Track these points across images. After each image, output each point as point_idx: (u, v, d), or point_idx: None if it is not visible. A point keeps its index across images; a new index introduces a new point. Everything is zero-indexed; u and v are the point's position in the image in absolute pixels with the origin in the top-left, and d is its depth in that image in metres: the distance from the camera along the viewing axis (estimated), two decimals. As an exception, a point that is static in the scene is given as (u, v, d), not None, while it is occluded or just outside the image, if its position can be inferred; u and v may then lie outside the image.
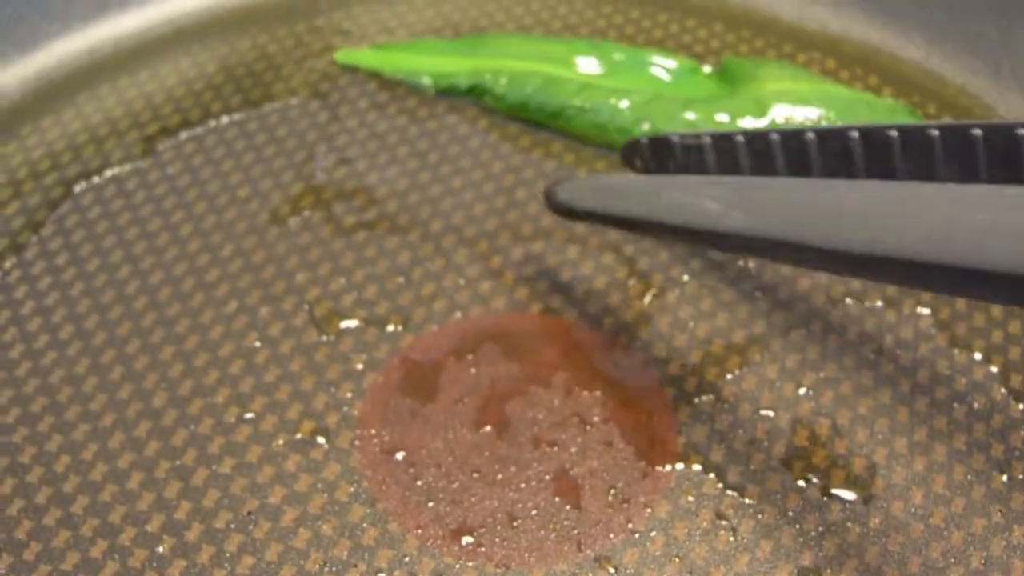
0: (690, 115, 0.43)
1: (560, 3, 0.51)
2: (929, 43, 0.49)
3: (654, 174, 0.38)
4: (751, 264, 0.41)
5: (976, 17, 0.48)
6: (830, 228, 0.27)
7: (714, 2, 0.51)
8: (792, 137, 0.34)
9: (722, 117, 0.43)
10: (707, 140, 0.36)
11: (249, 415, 0.37)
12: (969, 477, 0.36)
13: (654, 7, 0.51)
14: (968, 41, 0.48)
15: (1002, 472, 0.36)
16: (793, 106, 0.43)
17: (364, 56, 0.48)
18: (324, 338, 0.39)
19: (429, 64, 0.47)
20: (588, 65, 0.46)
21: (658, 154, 0.38)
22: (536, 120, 0.45)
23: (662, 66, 0.46)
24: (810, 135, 0.33)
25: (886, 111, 0.44)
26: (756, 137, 0.34)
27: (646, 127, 0.43)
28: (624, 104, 0.44)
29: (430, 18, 0.50)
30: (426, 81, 0.46)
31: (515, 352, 0.38)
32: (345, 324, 0.39)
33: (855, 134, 0.32)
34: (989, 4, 0.48)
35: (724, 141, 0.35)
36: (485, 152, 0.45)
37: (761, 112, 0.43)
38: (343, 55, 0.48)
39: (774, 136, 0.34)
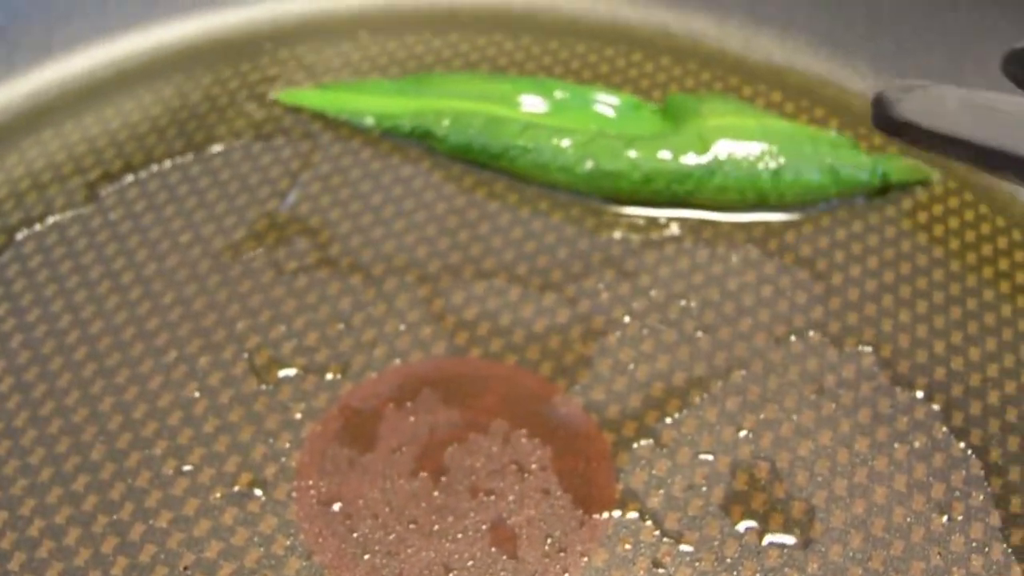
0: (632, 153, 0.43)
1: (506, 39, 0.51)
2: (876, 74, 0.49)
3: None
4: (692, 303, 0.41)
5: (924, 48, 0.48)
6: None
7: (660, 36, 0.51)
8: None
9: (665, 154, 0.43)
10: None
11: (187, 467, 0.37)
12: (909, 519, 0.36)
13: (600, 41, 0.51)
14: (916, 72, 0.48)
15: (942, 513, 0.36)
16: (736, 141, 0.43)
17: (307, 96, 0.48)
18: (263, 387, 0.39)
19: (372, 104, 0.47)
20: (531, 104, 0.46)
21: None
22: (479, 161, 0.45)
23: (606, 103, 0.46)
24: None
25: (829, 145, 0.44)
26: None
27: (589, 165, 0.43)
28: (566, 143, 0.43)
29: (375, 55, 0.50)
30: (369, 121, 0.46)
31: (454, 398, 0.38)
32: (284, 372, 0.39)
33: None
34: (937, 34, 0.48)
35: None
36: (428, 193, 0.44)
37: (703, 148, 0.43)
38: (286, 95, 0.48)
39: None
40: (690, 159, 0.43)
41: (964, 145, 0.28)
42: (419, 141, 0.46)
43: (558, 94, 0.46)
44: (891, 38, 0.49)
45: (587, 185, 0.43)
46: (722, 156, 0.43)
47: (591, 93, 0.47)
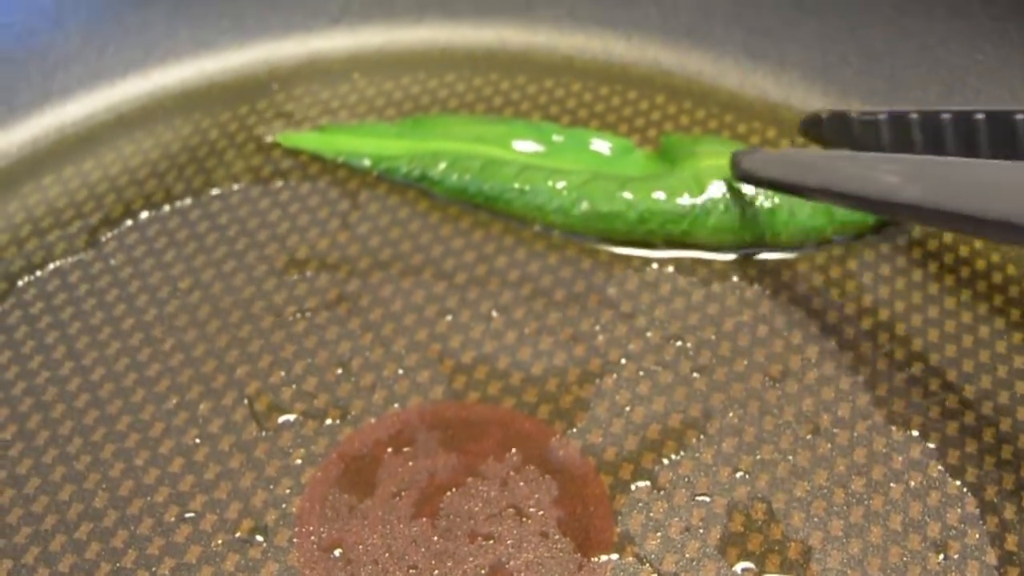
0: (627, 194, 0.43)
1: (502, 79, 0.51)
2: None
3: (831, 147, 0.44)
4: (688, 344, 0.41)
5: (917, 84, 0.49)
6: (1005, 203, 0.32)
7: (655, 74, 0.52)
8: (962, 118, 0.40)
9: (659, 195, 0.43)
10: (883, 117, 0.42)
11: (189, 514, 0.37)
12: (905, 559, 0.36)
13: (595, 80, 0.52)
14: (909, 107, 0.48)
15: (938, 552, 0.36)
16: (730, 181, 0.43)
17: (306, 139, 0.48)
18: (263, 433, 0.39)
19: (370, 146, 0.47)
20: (528, 146, 0.46)
21: (836, 128, 0.44)
22: (476, 203, 0.45)
23: (601, 145, 0.47)
24: (979, 116, 0.39)
25: None
26: (928, 116, 0.40)
27: (584, 207, 0.43)
28: (562, 185, 0.44)
29: (371, 97, 0.51)
30: (367, 163, 0.47)
31: (452, 442, 0.39)
32: (284, 418, 0.39)
33: (1021, 116, 0.38)
34: (930, 71, 0.48)
35: (898, 120, 0.41)
36: (425, 236, 0.45)
37: (699, 189, 0.43)
38: (285, 138, 0.48)
39: (945, 116, 0.40)
40: (685, 200, 0.43)
41: (776, 184, 0.41)
42: (416, 183, 0.46)
43: (555, 137, 0.47)
44: (884, 74, 0.49)
45: (583, 226, 0.44)
46: (717, 196, 0.43)
47: (587, 135, 0.47)
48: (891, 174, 0.36)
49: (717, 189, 0.43)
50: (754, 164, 0.42)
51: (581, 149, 0.46)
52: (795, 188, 0.40)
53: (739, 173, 0.42)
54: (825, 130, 0.45)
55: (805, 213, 0.44)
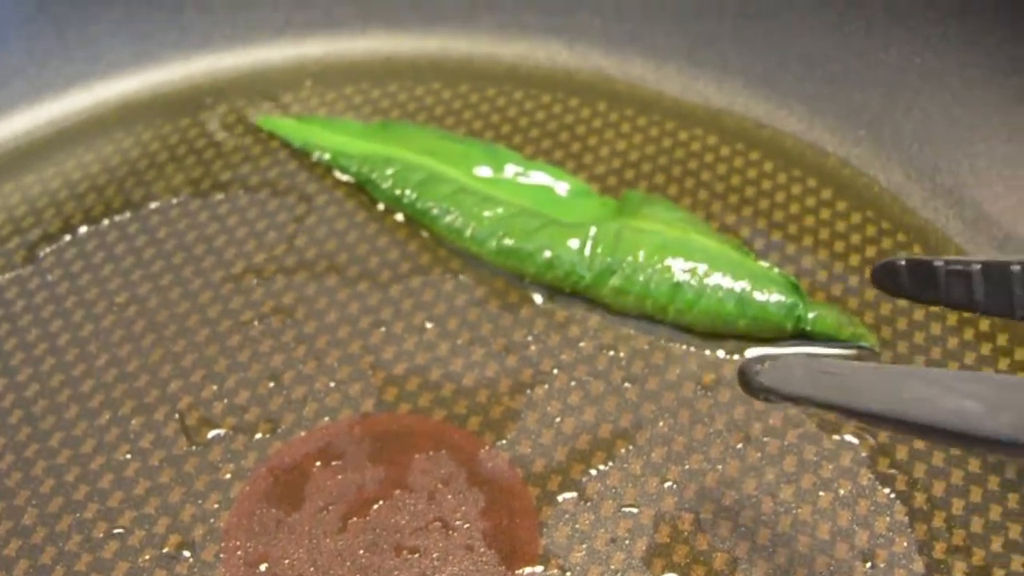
0: (543, 236, 0.43)
1: (444, 87, 0.52)
2: (812, 115, 0.49)
3: (912, 299, 0.35)
4: (621, 354, 0.41)
5: (859, 88, 0.49)
6: None
7: (598, 81, 0.52)
8: None
9: (574, 243, 0.42)
10: (976, 267, 0.33)
11: (118, 530, 0.37)
12: (831, 567, 0.36)
13: (538, 88, 0.52)
14: (850, 113, 0.49)
15: (865, 561, 0.36)
16: (647, 248, 0.43)
17: (283, 125, 0.50)
18: (194, 448, 0.39)
19: (336, 142, 0.48)
20: (479, 169, 0.46)
21: (918, 279, 0.35)
22: (407, 215, 0.45)
23: (557, 185, 0.46)
24: None
25: (751, 275, 0.42)
26: None
27: (499, 241, 0.43)
28: (488, 214, 0.44)
29: (314, 107, 0.51)
30: (326, 157, 0.47)
31: (382, 455, 0.39)
32: (214, 432, 0.40)
33: None
34: (871, 75, 0.48)
35: (997, 270, 0.33)
36: (362, 247, 0.45)
37: (613, 247, 0.42)
38: (265, 121, 0.50)
39: None
40: (596, 254, 0.43)
41: (809, 401, 0.31)
42: (362, 185, 0.46)
43: (508, 165, 0.46)
44: (826, 79, 0.49)
45: (495, 260, 0.43)
46: (627, 259, 0.42)
47: (545, 171, 0.46)
48: (969, 398, 0.28)
49: (630, 252, 0.42)
50: (775, 379, 0.32)
51: (529, 183, 0.46)
52: (839, 411, 0.31)
53: (753, 389, 0.33)
54: (904, 282, 0.35)
55: (716, 298, 0.42)
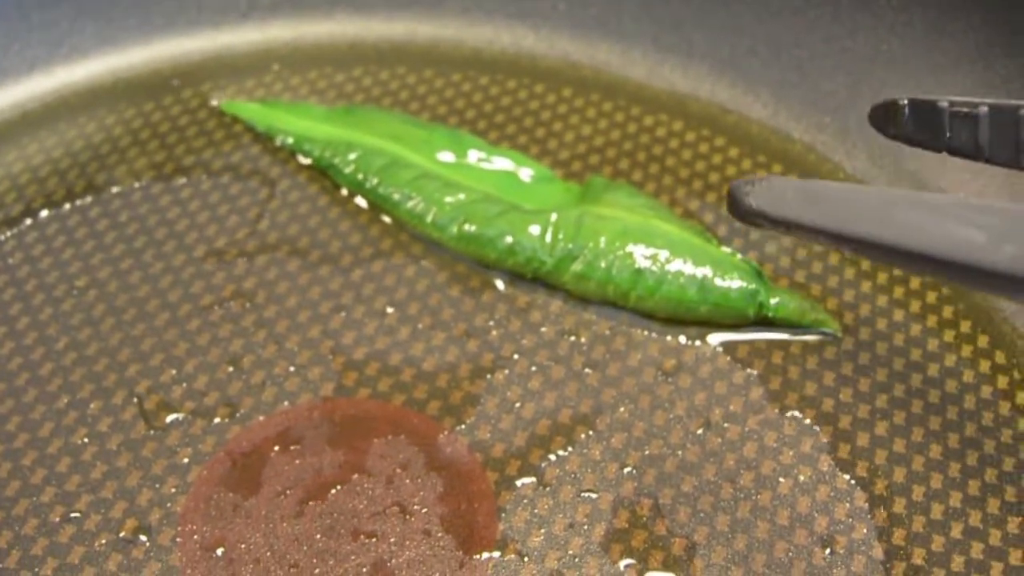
0: (503, 223, 0.42)
1: (409, 72, 0.51)
2: (777, 101, 0.49)
3: (914, 143, 0.33)
4: (582, 339, 0.41)
5: (824, 75, 0.49)
6: None
7: (563, 66, 0.52)
8: None
9: (534, 229, 0.42)
10: (984, 110, 0.31)
11: (74, 514, 0.37)
12: (790, 553, 0.36)
13: (503, 74, 0.52)
14: (816, 99, 0.49)
15: (825, 547, 0.36)
16: (608, 234, 0.42)
17: (246, 109, 0.50)
18: (152, 432, 0.39)
19: (299, 127, 0.47)
20: (442, 155, 0.46)
21: (921, 121, 0.33)
22: (369, 200, 0.45)
23: (520, 171, 0.46)
24: None
25: (713, 261, 0.42)
26: None
27: (460, 227, 0.43)
28: (450, 200, 0.43)
29: (278, 92, 0.51)
30: (289, 141, 0.46)
31: (340, 440, 0.38)
32: (173, 417, 0.39)
33: None
34: (837, 62, 0.48)
35: (1005, 114, 0.31)
36: (324, 231, 0.45)
37: (574, 233, 0.42)
38: (228, 105, 0.50)
39: None
40: (557, 240, 0.42)
41: (799, 226, 0.29)
42: (325, 170, 0.46)
43: (471, 151, 0.46)
44: (792, 65, 0.49)
45: (456, 245, 0.43)
46: (588, 245, 0.42)
47: (509, 157, 0.46)
48: (974, 227, 0.26)
49: (591, 238, 0.42)
50: (766, 201, 0.30)
51: (492, 169, 0.46)
52: (831, 237, 0.29)
53: (742, 212, 0.30)
54: (906, 123, 0.34)
55: (677, 284, 0.42)
